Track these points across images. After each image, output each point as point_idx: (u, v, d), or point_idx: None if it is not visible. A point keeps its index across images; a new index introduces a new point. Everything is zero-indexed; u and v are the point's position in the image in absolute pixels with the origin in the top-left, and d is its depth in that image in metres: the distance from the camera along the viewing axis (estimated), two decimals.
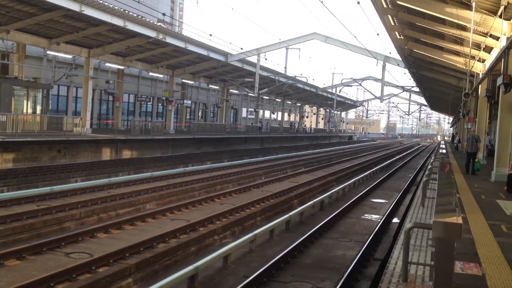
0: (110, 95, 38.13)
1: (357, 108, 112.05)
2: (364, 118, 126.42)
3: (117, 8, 26.29)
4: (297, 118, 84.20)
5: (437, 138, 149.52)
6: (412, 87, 57.64)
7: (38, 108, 29.76)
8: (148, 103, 46.66)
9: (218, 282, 9.69)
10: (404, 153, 56.03)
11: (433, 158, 25.52)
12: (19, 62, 29.41)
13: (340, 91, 72.58)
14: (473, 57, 22.99)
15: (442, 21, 20.47)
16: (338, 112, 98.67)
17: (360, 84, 64.61)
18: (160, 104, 50.15)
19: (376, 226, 14.45)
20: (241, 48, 39.52)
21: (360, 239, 13.38)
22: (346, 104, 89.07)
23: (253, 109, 64.52)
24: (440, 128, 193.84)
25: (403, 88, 61.22)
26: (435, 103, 72.24)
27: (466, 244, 7.45)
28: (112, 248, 10.55)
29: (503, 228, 8.93)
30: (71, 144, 26.57)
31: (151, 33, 30.21)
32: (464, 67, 25.04)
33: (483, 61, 24.24)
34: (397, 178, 29.49)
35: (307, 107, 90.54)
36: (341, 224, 15.46)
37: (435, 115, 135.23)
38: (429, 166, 17.01)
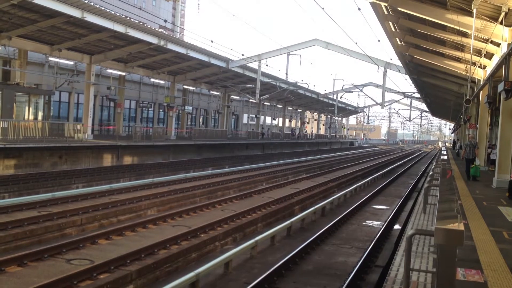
0: (112, 101, 38.17)
1: (358, 114, 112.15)
2: (365, 124, 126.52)
3: (118, 14, 26.40)
4: (298, 124, 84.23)
5: (438, 144, 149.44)
6: (413, 93, 57.66)
7: (40, 114, 29.81)
8: (150, 109, 46.75)
9: None
10: (405, 159, 55.99)
11: (434, 164, 25.50)
12: (20, 69, 29.49)
13: (341, 97, 72.64)
14: (474, 64, 23.02)
15: (443, 28, 20.50)
16: (339, 118, 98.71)
17: (361, 90, 64.60)
18: (161, 110, 50.20)
19: (378, 233, 14.42)
20: (242, 54, 39.63)
21: (361, 245, 13.36)
22: (347, 110, 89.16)
23: (254, 115, 64.59)
24: (441, 134, 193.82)
25: (404, 94, 61.23)
26: (436, 109, 72.25)
27: (468, 250, 7.43)
28: (113, 254, 10.55)
29: (505, 235, 8.91)
30: (72, 150, 26.59)
31: (153, 40, 30.29)
32: (465, 73, 25.05)
33: (484, 67, 24.26)
34: (398, 184, 29.45)
35: (308, 113, 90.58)
36: (342, 230, 15.44)
37: (436, 121, 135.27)
38: (431, 173, 17.00)
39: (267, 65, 46.19)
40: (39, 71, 33.74)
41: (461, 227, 4.49)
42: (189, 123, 53.87)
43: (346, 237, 14.50)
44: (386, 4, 18.93)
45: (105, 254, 10.80)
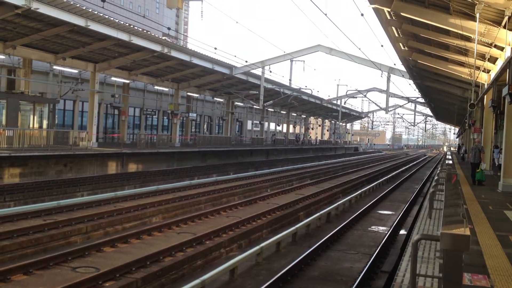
0: (116, 109, 38.30)
1: (362, 119, 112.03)
2: (369, 129, 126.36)
3: (122, 22, 26.52)
4: (302, 130, 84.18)
5: (443, 148, 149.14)
6: (417, 98, 57.63)
7: (45, 122, 29.90)
8: (154, 116, 46.85)
9: None
10: (410, 164, 55.85)
11: (439, 169, 25.43)
12: (25, 77, 29.62)
13: (345, 102, 72.71)
14: (478, 68, 22.97)
15: (446, 32, 20.50)
16: (343, 124, 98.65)
17: (365, 96, 64.71)
18: (165, 117, 50.32)
19: (383, 238, 14.37)
20: (246, 61, 39.72)
21: (367, 251, 13.31)
22: (351, 116, 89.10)
23: (258, 122, 64.68)
24: (446, 139, 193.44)
25: (408, 99, 61.21)
26: (440, 114, 72.14)
27: (474, 255, 7.40)
28: (118, 262, 10.54)
29: (511, 239, 8.87)
30: (77, 158, 26.65)
31: (156, 47, 30.39)
32: (469, 78, 25.01)
33: (488, 71, 24.21)
34: (403, 189, 29.36)
35: (312, 119, 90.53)
36: (348, 236, 15.39)
37: (440, 125, 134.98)
38: (436, 177, 16.95)
39: (270, 72, 46.29)
40: (44, 80, 33.88)
41: (467, 232, 4.48)
42: (193, 130, 53.96)
43: (351, 242, 14.46)
44: (389, 10, 18.95)
45: (110, 261, 10.80)
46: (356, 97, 68.18)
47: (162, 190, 21.82)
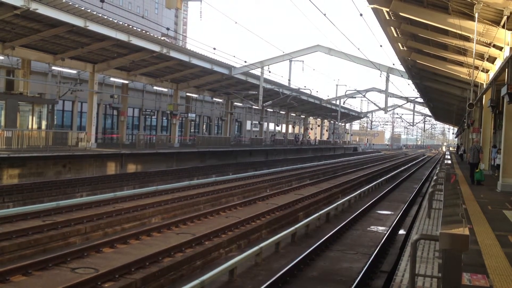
0: (115, 109, 38.28)
1: (361, 119, 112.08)
2: (368, 129, 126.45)
3: (121, 23, 26.51)
4: (302, 130, 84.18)
5: (442, 148, 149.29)
6: (416, 98, 57.68)
7: (43, 123, 29.88)
8: (153, 117, 46.84)
9: None
10: (409, 164, 55.88)
11: (438, 169, 25.43)
12: (24, 78, 29.60)
13: (344, 102, 72.77)
14: (476, 68, 22.96)
15: (445, 32, 20.49)
16: (342, 124, 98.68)
17: (364, 96, 64.75)
18: (164, 118, 50.31)
19: (383, 238, 14.38)
20: (245, 61, 39.72)
21: (366, 251, 13.32)
22: (350, 116, 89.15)
23: (257, 122, 64.67)
24: (444, 139, 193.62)
25: (407, 99, 61.25)
26: (439, 114, 72.15)
27: (473, 255, 7.40)
28: (117, 262, 10.54)
29: (510, 239, 8.87)
30: (76, 159, 26.63)
31: (155, 48, 30.38)
32: (468, 78, 25.02)
33: (487, 71, 24.21)
34: (402, 189, 29.37)
35: (311, 119, 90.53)
36: (347, 236, 15.40)
37: (439, 125, 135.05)
38: (435, 177, 16.96)
39: (269, 72, 46.25)
40: (43, 81, 33.86)
41: (466, 231, 4.48)
42: (192, 130, 53.93)
43: (350, 243, 14.46)
44: (388, 10, 18.95)
45: (109, 262, 10.80)
46: (355, 97, 68.26)
47: (161, 191, 21.82)
